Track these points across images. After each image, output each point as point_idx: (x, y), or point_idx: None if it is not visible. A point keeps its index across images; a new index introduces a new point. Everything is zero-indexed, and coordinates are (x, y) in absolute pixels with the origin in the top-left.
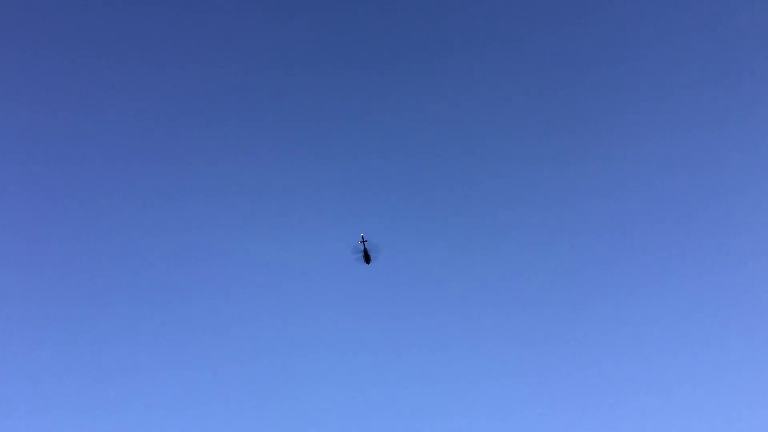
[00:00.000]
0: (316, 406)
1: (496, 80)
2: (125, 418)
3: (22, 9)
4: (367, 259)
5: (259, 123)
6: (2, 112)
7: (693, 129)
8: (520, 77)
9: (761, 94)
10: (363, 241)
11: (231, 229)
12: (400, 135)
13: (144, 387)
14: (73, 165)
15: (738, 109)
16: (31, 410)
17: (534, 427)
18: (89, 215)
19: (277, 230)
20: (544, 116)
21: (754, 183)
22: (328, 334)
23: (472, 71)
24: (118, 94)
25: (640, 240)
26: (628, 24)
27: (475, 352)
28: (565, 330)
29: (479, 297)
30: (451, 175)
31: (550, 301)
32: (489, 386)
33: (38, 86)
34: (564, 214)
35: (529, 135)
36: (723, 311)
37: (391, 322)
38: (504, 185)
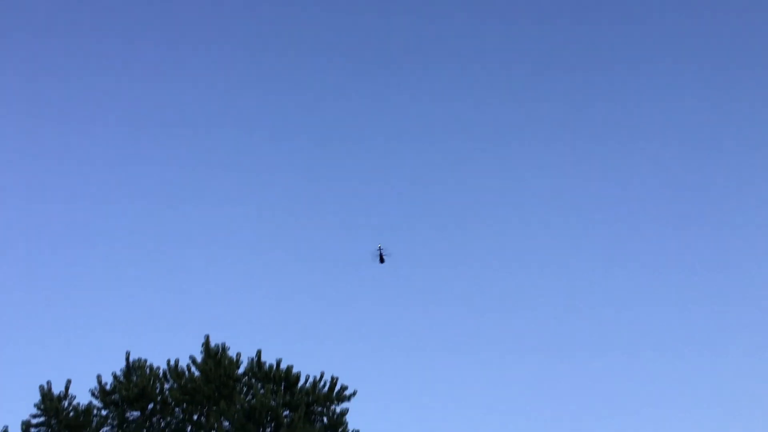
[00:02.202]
0: None
1: (498, 83)
2: None
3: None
4: (381, 260)
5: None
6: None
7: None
8: (522, 78)
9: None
10: (380, 249)
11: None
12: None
13: None
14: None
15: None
16: None
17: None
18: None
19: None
20: (545, 117)
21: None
22: None
23: (478, 76)
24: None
25: (639, 241)
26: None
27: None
28: (567, 330)
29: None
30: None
31: (551, 301)
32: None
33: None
34: (564, 215)
35: (529, 136)
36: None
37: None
38: (505, 186)
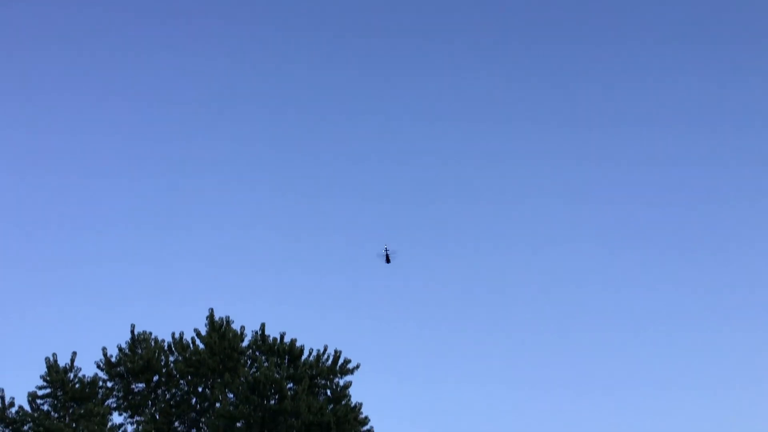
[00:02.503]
0: None
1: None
2: None
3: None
4: (387, 260)
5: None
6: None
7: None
8: (519, 70)
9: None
10: (386, 250)
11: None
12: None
13: None
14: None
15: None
16: None
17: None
18: None
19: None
20: (544, 115)
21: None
22: None
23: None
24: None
25: (638, 238)
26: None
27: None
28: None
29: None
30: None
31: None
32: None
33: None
34: (562, 204)
35: (528, 133)
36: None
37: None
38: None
